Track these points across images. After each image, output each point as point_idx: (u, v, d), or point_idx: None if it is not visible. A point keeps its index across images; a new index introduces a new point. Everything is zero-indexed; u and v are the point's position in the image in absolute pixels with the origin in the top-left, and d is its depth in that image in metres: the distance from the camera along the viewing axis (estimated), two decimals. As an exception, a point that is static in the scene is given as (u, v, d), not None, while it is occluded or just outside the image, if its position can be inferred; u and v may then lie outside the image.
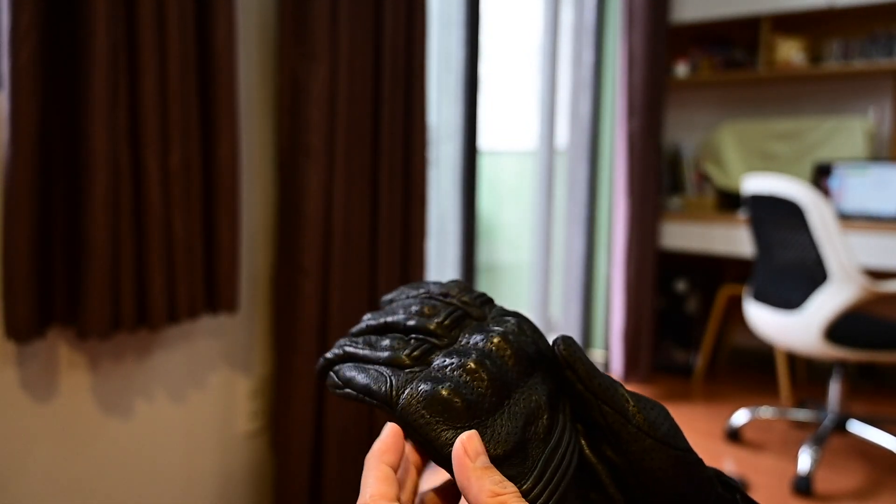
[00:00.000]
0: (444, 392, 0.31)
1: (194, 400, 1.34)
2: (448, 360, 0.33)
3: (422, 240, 1.65)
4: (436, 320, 0.36)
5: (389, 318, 0.37)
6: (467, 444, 0.30)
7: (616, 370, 2.90)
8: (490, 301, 0.39)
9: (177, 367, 1.30)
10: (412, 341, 0.35)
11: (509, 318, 0.36)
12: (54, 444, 1.10)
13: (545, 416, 0.32)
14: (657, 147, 2.86)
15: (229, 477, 1.43)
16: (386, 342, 0.36)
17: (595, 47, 2.94)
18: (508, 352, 0.33)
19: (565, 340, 0.34)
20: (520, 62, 2.96)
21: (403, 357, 0.34)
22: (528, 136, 2.94)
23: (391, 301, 0.41)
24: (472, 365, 0.32)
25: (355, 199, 1.46)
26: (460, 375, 0.32)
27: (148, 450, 1.25)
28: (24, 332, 0.96)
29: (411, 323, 0.36)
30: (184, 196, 1.13)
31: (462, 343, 0.35)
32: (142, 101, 1.04)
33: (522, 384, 0.33)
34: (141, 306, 1.08)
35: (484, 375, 0.32)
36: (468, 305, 0.37)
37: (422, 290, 0.39)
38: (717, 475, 0.35)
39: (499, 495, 0.29)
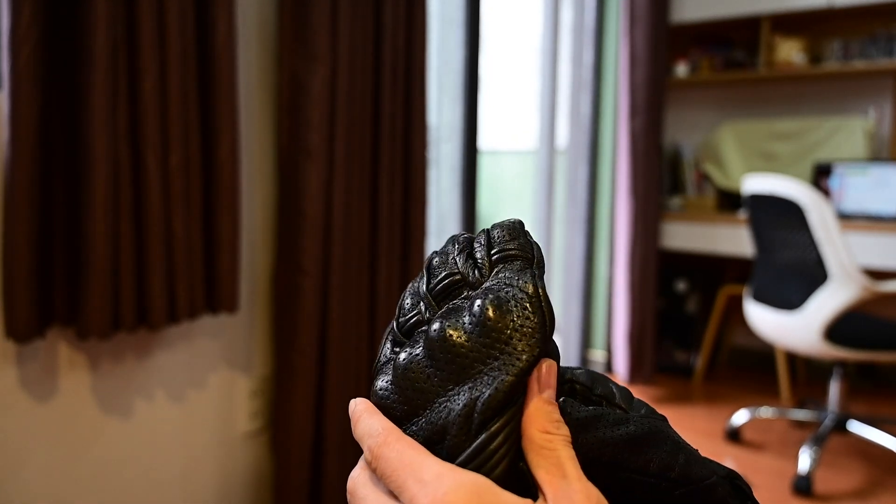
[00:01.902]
0: (377, 393, 0.33)
1: (194, 400, 1.34)
2: (402, 355, 0.32)
3: (422, 240, 1.65)
4: (429, 285, 0.34)
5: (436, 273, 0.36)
6: (541, 374, 0.31)
7: (620, 372, 2.90)
8: (510, 258, 0.33)
9: (177, 367, 1.30)
10: (414, 307, 0.34)
11: (486, 297, 0.31)
12: (54, 443, 1.10)
13: (456, 433, 0.30)
14: (658, 147, 2.86)
15: (229, 477, 1.43)
16: (408, 302, 0.35)
17: (595, 47, 2.94)
18: (447, 350, 0.31)
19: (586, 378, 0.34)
20: (520, 62, 2.96)
21: (399, 335, 0.34)
22: (528, 135, 2.94)
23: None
24: (399, 363, 0.32)
25: (355, 199, 1.46)
26: (385, 383, 0.33)
27: (148, 450, 1.25)
28: (24, 332, 0.96)
29: (421, 284, 0.35)
30: (184, 196, 1.13)
31: (424, 329, 0.33)
32: (142, 102, 1.04)
33: (448, 391, 0.30)
34: (141, 306, 1.09)
35: (397, 386, 0.32)
36: (475, 265, 0.34)
37: (463, 236, 0.36)
38: (731, 477, 0.33)
39: (548, 433, 0.30)
